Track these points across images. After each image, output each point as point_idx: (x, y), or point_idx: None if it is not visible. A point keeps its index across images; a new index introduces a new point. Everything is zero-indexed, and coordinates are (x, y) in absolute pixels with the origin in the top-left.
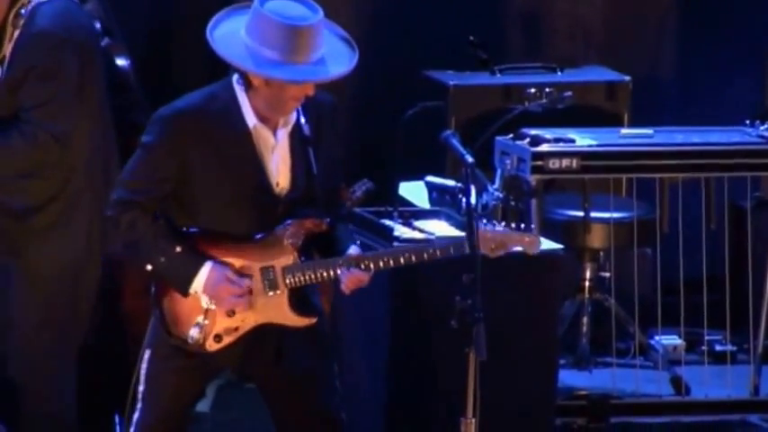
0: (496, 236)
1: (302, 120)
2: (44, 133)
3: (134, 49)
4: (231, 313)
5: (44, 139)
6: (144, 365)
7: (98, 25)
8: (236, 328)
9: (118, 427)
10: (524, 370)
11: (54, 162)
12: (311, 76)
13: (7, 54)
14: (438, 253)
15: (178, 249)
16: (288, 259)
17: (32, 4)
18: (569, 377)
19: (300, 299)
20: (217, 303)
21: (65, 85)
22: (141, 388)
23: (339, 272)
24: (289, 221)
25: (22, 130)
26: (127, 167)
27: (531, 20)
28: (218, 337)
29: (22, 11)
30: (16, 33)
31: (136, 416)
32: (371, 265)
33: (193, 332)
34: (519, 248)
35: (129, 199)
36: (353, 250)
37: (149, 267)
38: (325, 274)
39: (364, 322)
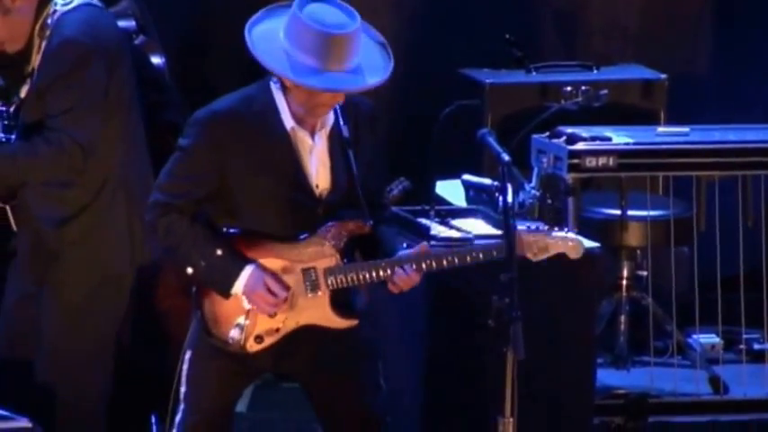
0: (539, 240)
1: (340, 122)
2: (69, 139)
3: (169, 47)
4: (273, 314)
5: (69, 144)
6: (185, 366)
7: (133, 23)
8: (278, 329)
9: (154, 428)
10: (562, 369)
11: (80, 169)
12: (346, 85)
13: (36, 65)
14: (481, 255)
15: (219, 253)
16: (330, 261)
17: (57, 13)
18: (607, 376)
19: (342, 300)
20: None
21: (91, 93)
22: (183, 389)
23: (384, 273)
24: (331, 223)
25: (46, 137)
26: (164, 170)
27: (568, 18)
28: (259, 338)
29: (48, 21)
30: (44, 44)
31: (178, 417)
32: (415, 267)
33: (234, 333)
34: (561, 252)
35: (166, 202)
36: (401, 252)
37: (190, 271)
38: (367, 276)
39: (402, 323)
